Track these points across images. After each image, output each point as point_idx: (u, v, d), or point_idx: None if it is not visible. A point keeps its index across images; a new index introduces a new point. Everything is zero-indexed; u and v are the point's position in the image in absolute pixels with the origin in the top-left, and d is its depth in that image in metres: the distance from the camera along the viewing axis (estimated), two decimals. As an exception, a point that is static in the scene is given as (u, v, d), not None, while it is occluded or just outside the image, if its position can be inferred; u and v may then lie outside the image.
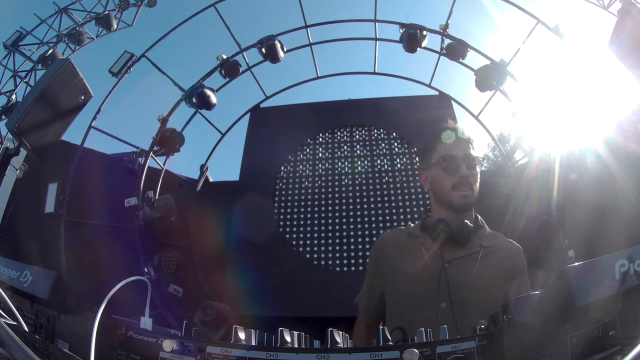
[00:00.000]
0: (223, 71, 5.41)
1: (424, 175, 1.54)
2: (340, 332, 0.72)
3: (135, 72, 5.23)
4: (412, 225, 1.57)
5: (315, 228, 5.15)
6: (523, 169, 5.01)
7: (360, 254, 4.91)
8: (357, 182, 5.42)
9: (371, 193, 5.31)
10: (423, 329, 0.74)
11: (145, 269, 4.42)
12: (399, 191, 5.27)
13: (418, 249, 1.42)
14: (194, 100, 5.24)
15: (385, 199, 5.21)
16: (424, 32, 5.22)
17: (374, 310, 1.48)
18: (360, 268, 4.75)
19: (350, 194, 5.32)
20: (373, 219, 5.12)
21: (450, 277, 1.32)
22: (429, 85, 5.90)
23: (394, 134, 5.73)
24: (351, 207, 5.20)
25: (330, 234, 5.07)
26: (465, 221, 1.40)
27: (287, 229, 5.21)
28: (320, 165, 5.64)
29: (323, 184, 5.45)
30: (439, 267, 1.35)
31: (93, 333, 0.65)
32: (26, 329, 0.73)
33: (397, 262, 1.44)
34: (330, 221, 5.17)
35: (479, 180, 1.46)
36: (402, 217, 5.06)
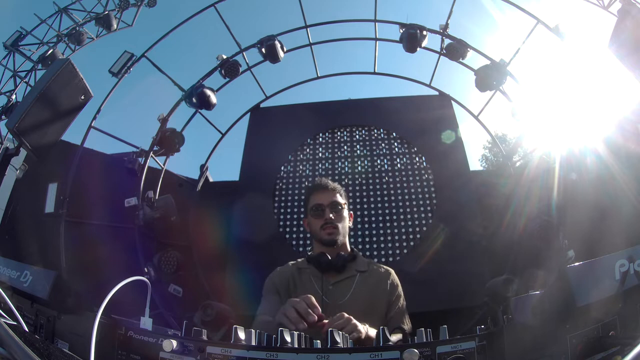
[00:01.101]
0: (223, 71, 5.41)
1: (306, 221, 1.96)
2: (340, 332, 0.72)
3: (135, 72, 5.23)
4: (299, 260, 1.94)
5: (315, 228, 5.15)
6: (523, 169, 5.01)
7: (360, 254, 4.91)
8: (357, 182, 5.42)
9: (371, 193, 5.31)
10: (423, 329, 0.74)
11: (145, 269, 4.42)
12: (399, 191, 5.26)
13: (307, 278, 1.77)
14: (194, 100, 5.24)
15: (385, 199, 5.21)
16: (424, 32, 5.22)
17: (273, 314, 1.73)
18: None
19: (350, 194, 5.32)
20: (373, 219, 5.12)
21: (332, 296, 1.67)
22: (429, 85, 5.90)
23: (394, 134, 5.73)
24: (351, 207, 5.20)
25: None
26: (341, 252, 1.78)
27: (287, 229, 5.21)
28: (320, 165, 5.64)
29: (323, 184, 5.44)
30: (325, 290, 1.69)
31: (93, 333, 0.64)
32: (26, 329, 0.73)
33: (292, 288, 1.77)
34: (330, 221, 5.16)
35: (346, 220, 1.89)
36: (402, 217, 5.06)
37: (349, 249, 1.91)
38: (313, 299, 1.27)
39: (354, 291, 1.70)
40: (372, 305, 1.67)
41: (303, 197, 5.43)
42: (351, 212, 2.01)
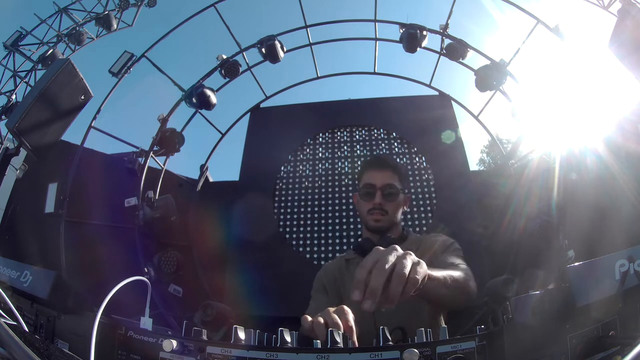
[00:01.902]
0: (223, 71, 5.41)
1: (355, 197, 1.75)
2: (340, 332, 0.72)
3: (135, 72, 5.23)
4: (347, 251, 1.77)
5: (315, 228, 5.15)
6: (523, 169, 5.01)
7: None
8: (357, 182, 5.41)
9: (371, 193, 5.31)
10: (423, 329, 0.74)
11: (145, 269, 4.42)
12: (399, 191, 5.26)
13: (354, 269, 1.54)
14: (194, 100, 5.24)
15: (385, 199, 5.21)
16: (424, 32, 5.22)
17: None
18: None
19: (350, 194, 5.32)
20: (373, 219, 5.12)
21: None
22: (429, 85, 5.90)
23: (394, 134, 5.73)
24: (351, 207, 5.20)
25: (330, 234, 5.07)
26: (388, 234, 1.58)
27: (287, 229, 5.21)
28: (320, 165, 5.64)
29: (323, 184, 5.44)
30: None
31: (93, 333, 0.65)
32: (26, 329, 0.73)
33: (339, 283, 1.62)
34: (330, 221, 5.17)
35: (400, 206, 1.67)
36: (402, 217, 5.05)
37: (400, 231, 1.71)
38: (346, 309, 1.01)
39: None
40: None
41: (303, 197, 5.48)
42: (409, 195, 1.78)
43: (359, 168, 1.83)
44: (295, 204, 5.35)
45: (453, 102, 5.76)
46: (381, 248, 0.93)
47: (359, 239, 1.70)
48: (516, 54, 5.13)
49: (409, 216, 5.04)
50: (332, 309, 1.02)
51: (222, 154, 6.81)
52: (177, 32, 5.49)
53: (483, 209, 4.89)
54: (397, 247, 0.92)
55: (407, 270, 0.85)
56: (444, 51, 5.38)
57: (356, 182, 1.87)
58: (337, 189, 5.40)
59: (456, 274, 1.26)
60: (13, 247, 4.47)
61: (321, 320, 0.93)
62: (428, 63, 5.78)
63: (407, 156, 5.55)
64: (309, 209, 5.28)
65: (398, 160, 5.58)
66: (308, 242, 5.08)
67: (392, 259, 0.86)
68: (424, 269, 0.92)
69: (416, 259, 0.91)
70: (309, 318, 0.97)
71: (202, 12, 5.54)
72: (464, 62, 5.34)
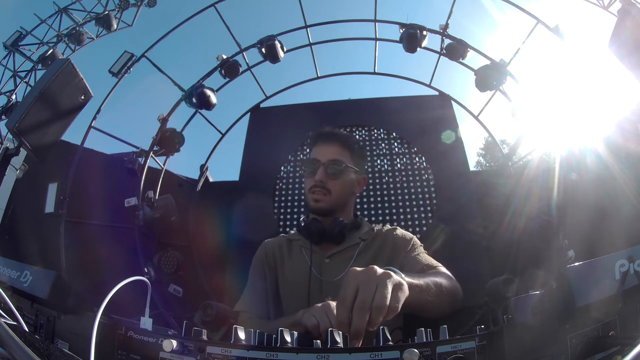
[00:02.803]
0: (223, 71, 5.41)
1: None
2: (340, 332, 0.72)
3: (135, 72, 5.23)
4: (292, 231, 1.60)
5: (315, 228, 5.15)
6: (523, 169, 5.01)
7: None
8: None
9: (371, 193, 5.31)
10: (423, 328, 0.74)
11: (145, 269, 4.42)
12: (399, 191, 5.26)
13: (298, 251, 1.45)
14: (194, 100, 5.24)
15: (385, 199, 5.21)
16: (424, 32, 5.22)
17: (257, 310, 1.42)
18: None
19: (350, 194, 5.32)
20: (373, 219, 5.11)
21: (328, 272, 1.34)
22: (429, 85, 5.90)
23: (394, 134, 5.73)
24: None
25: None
26: (340, 218, 1.41)
27: (287, 229, 5.20)
28: (320, 165, 5.64)
29: (323, 184, 5.44)
30: (319, 264, 1.37)
31: (93, 333, 0.65)
32: (26, 329, 0.73)
33: (280, 265, 1.45)
34: (330, 221, 5.16)
35: (348, 185, 1.45)
36: (402, 217, 5.05)
37: (351, 216, 1.54)
38: (331, 305, 0.96)
39: (354, 262, 1.34)
40: None
41: (303, 197, 5.47)
42: (364, 176, 1.57)
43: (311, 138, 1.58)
44: (295, 204, 5.35)
45: (453, 102, 5.76)
46: (358, 270, 0.86)
47: (303, 219, 1.50)
48: (516, 54, 5.13)
49: (409, 216, 5.05)
50: (332, 304, 0.98)
51: (222, 154, 6.80)
52: (177, 32, 5.49)
53: (483, 209, 4.89)
54: (376, 268, 0.85)
55: (387, 302, 0.81)
56: (444, 51, 5.38)
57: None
58: (337, 189, 5.39)
59: (438, 278, 1.17)
60: (13, 247, 4.47)
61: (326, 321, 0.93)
62: (428, 63, 5.78)
63: (407, 156, 5.55)
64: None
65: (398, 160, 5.58)
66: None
67: (372, 288, 0.81)
68: (404, 292, 0.87)
69: (397, 280, 0.86)
70: (314, 319, 0.95)
71: (202, 12, 5.54)
72: (464, 62, 5.34)
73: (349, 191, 1.50)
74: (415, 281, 0.99)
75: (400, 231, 1.51)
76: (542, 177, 4.15)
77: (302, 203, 5.34)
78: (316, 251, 1.41)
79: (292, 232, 1.60)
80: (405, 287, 0.89)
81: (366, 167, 1.64)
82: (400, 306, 0.84)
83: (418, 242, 1.48)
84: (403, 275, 0.93)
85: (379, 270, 0.86)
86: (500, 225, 4.55)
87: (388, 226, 1.56)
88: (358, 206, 5.24)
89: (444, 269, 1.33)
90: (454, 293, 1.24)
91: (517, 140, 5.48)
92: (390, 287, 0.83)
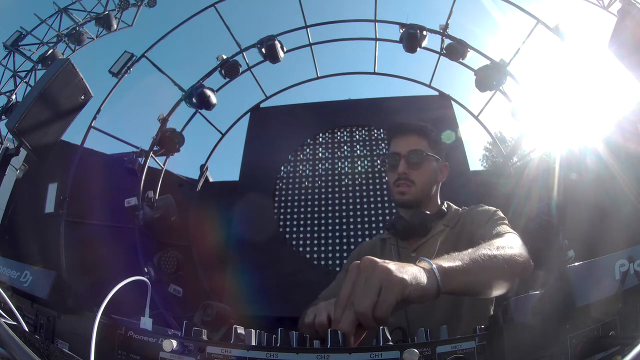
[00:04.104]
0: (223, 71, 5.41)
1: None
2: (340, 332, 0.72)
3: (135, 72, 5.24)
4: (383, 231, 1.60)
5: (315, 228, 5.15)
6: (523, 169, 5.01)
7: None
8: (357, 182, 5.42)
9: (371, 193, 5.31)
10: (423, 328, 0.74)
11: (145, 269, 4.42)
12: (399, 191, 5.26)
13: (389, 249, 1.45)
14: (194, 100, 5.25)
15: (385, 199, 5.21)
16: (424, 32, 5.22)
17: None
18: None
19: (350, 194, 5.32)
20: (373, 219, 5.12)
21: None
22: (429, 85, 5.90)
23: (394, 134, 5.73)
24: (351, 207, 5.20)
25: (330, 234, 5.07)
26: (420, 210, 1.39)
27: (287, 229, 5.21)
28: (320, 165, 5.64)
29: (323, 184, 5.45)
30: (407, 259, 1.32)
31: (93, 333, 0.65)
32: (26, 329, 0.73)
33: None
34: (330, 221, 5.17)
35: (432, 175, 1.45)
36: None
37: (438, 205, 1.50)
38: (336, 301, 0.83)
39: (438, 251, 1.30)
40: None
41: (303, 197, 5.48)
42: (446, 163, 1.54)
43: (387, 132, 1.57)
44: (295, 204, 5.36)
45: (453, 102, 5.77)
46: (356, 264, 0.78)
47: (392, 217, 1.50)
48: (516, 54, 5.14)
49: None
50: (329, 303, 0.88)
51: (222, 154, 6.84)
52: (177, 32, 5.50)
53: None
54: (374, 264, 0.75)
55: (369, 310, 0.70)
56: (444, 51, 5.39)
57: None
58: (337, 189, 5.40)
59: (493, 250, 1.01)
60: (13, 247, 4.47)
61: (324, 318, 0.83)
62: (428, 63, 5.79)
63: (407, 156, 5.54)
64: (309, 209, 5.28)
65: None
66: (308, 242, 5.08)
67: (364, 292, 0.72)
68: (404, 294, 0.73)
69: (392, 276, 0.73)
70: (312, 316, 0.88)
71: (202, 12, 5.55)
72: (464, 62, 5.34)
73: (432, 180, 1.48)
74: (452, 264, 0.86)
75: (482, 207, 1.43)
76: (542, 177, 4.16)
77: (302, 203, 5.35)
78: (404, 246, 1.41)
79: (383, 232, 1.61)
80: (409, 288, 0.75)
81: (444, 155, 1.55)
82: (387, 316, 0.71)
83: (500, 214, 1.36)
84: (430, 264, 0.82)
85: (378, 267, 0.75)
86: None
87: (474, 205, 1.48)
88: (358, 206, 5.24)
89: (510, 234, 1.19)
90: (514, 262, 1.05)
91: (517, 140, 5.48)
92: (375, 293, 0.72)
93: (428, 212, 1.40)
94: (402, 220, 1.40)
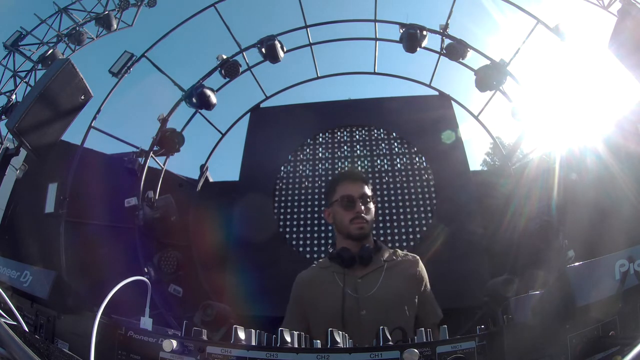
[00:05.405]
0: (223, 71, 5.41)
1: (328, 212, 1.86)
2: (340, 332, 0.72)
3: (135, 72, 5.23)
4: (321, 260, 1.88)
5: (315, 228, 5.15)
6: (523, 169, 5.01)
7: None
8: (326, 197, 5.39)
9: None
10: (423, 328, 0.74)
11: (145, 269, 4.42)
12: (399, 191, 5.26)
13: (332, 277, 1.70)
14: (194, 100, 5.24)
15: (385, 199, 5.21)
16: (424, 32, 5.22)
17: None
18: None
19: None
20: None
21: (363, 288, 1.62)
22: (429, 85, 5.90)
23: (394, 134, 5.73)
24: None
25: (330, 234, 5.07)
26: (366, 244, 1.71)
27: (287, 229, 5.21)
28: (320, 165, 5.64)
29: (323, 184, 5.44)
30: (354, 284, 1.64)
31: (93, 333, 0.64)
32: (26, 329, 0.73)
33: (316, 293, 1.69)
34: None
35: (373, 212, 1.79)
36: (402, 217, 5.06)
37: (372, 241, 1.84)
38: None
39: (382, 282, 1.64)
40: (402, 294, 1.63)
41: (303, 197, 5.48)
42: (376, 203, 1.94)
43: (328, 184, 2.02)
44: (295, 204, 5.35)
45: (453, 102, 5.76)
46: None
47: (331, 249, 1.82)
48: (516, 54, 5.13)
49: (409, 216, 5.05)
50: None
51: (222, 154, 6.81)
52: (177, 32, 5.49)
53: (483, 209, 4.89)
54: None
55: None
56: (444, 51, 5.38)
57: (324, 197, 1.94)
58: (337, 189, 5.38)
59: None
60: (13, 247, 4.47)
61: None
62: (428, 63, 5.78)
63: (407, 156, 5.55)
64: (309, 209, 5.27)
65: (398, 160, 5.58)
66: (308, 242, 5.08)
67: None
68: None
69: None
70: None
71: (202, 12, 5.54)
72: (464, 62, 5.33)
73: (375, 218, 1.84)
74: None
75: (421, 265, 1.77)
76: (542, 177, 4.15)
77: (302, 203, 5.35)
78: (349, 274, 1.68)
79: (321, 260, 1.89)
80: None
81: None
82: None
83: (426, 277, 1.75)
84: None
85: None
86: (500, 226, 4.55)
87: (410, 255, 1.81)
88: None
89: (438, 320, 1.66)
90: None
91: (517, 140, 5.48)
92: None
93: (370, 247, 1.71)
94: (348, 252, 1.69)
